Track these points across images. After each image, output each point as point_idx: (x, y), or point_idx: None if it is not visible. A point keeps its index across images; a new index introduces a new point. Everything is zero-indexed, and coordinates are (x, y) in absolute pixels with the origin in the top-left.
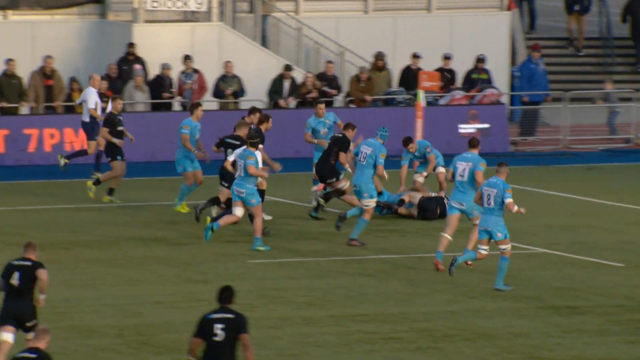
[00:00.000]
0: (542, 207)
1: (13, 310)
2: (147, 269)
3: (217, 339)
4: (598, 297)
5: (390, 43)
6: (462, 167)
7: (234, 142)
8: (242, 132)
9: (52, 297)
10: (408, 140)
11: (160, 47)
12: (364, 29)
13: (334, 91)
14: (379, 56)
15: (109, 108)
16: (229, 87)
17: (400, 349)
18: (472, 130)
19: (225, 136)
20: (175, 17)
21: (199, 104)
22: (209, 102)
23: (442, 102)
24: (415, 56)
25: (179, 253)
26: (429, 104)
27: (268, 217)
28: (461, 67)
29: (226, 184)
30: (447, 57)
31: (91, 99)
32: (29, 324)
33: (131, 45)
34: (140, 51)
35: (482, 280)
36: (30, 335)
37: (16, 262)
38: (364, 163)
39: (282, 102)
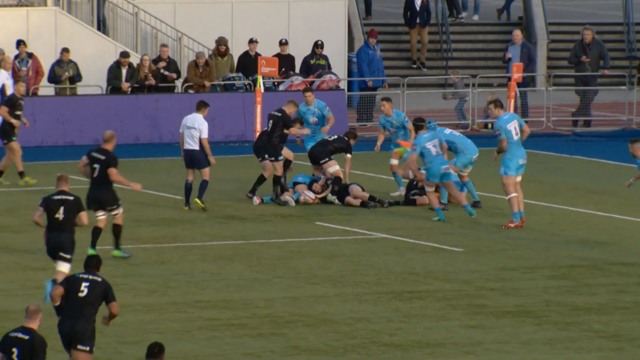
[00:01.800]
0: (385, 192)
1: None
2: None
3: (81, 295)
4: (438, 282)
5: (228, 29)
6: None
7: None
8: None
9: None
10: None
11: None
12: (202, 15)
13: (173, 74)
14: (221, 41)
15: (11, 90)
16: (65, 72)
17: (242, 335)
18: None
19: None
20: (8, 1)
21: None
22: (45, 88)
23: (281, 87)
24: (253, 41)
25: (16, 241)
26: (267, 89)
27: None
28: (299, 52)
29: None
30: (283, 43)
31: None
32: (65, 255)
33: None
34: None
35: (323, 265)
36: (60, 266)
37: (57, 197)
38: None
39: (123, 86)
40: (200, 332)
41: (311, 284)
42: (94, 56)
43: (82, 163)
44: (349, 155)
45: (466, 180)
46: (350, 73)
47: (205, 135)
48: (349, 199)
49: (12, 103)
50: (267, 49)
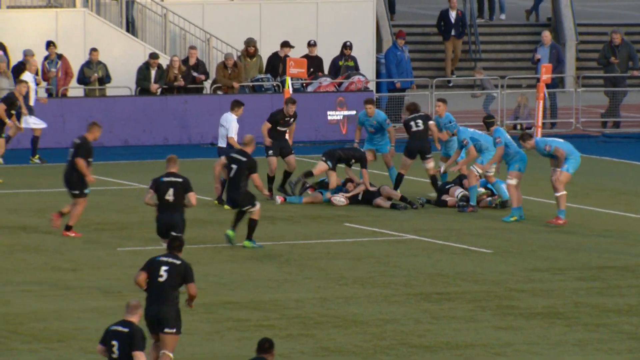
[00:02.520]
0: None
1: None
2: (15, 257)
3: (161, 280)
4: (467, 284)
5: (256, 30)
6: None
7: None
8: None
9: None
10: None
11: (23, 33)
12: (230, 16)
13: (201, 76)
14: (250, 42)
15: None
16: (94, 73)
17: (272, 336)
18: (340, 117)
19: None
20: (38, 2)
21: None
22: (75, 89)
23: (309, 89)
24: (287, 45)
25: (46, 241)
26: (296, 90)
27: None
28: (327, 54)
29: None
30: (311, 44)
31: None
32: (175, 233)
33: None
34: (3, 37)
35: (352, 267)
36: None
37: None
38: None
39: (152, 87)
40: (230, 333)
41: (340, 285)
42: (123, 57)
43: (220, 162)
44: (364, 170)
45: (493, 181)
46: (378, 74)
47: (232, 134)
48: (379, 200)
49: (10, 102)
50: (296, 50)
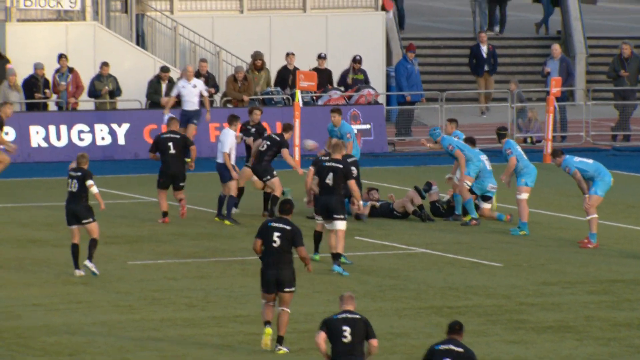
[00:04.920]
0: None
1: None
2: (25, 270)
3: (275, 245)
4: (477, 297)
5: (266, 43)
6: None
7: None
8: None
9: None
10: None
11: (33, 46)
12: (240, 29)
13: (211, 90)
14: (257, 55)
15: None
16: (104, 86)
17: None
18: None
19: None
20: (48, 16)
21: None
22: (85, 102)
23: (319, 102)
24: (290, 55)
25: (56, 254)
26: (306, 103)
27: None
28: (337, 66)
29: None
30: (321, 57)
31: None
32: (337, 216)
33: None
34: (13, 50)
35: (363, 280)
36: (337, 225)
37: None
38: None
39: (163, 101)
40: (241, 347)
41: None
42: (133, 70)
43: (311, 173)
44: (285, 150)
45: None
46: (388, 87)
47: (226, 149)
48: (404, 202)
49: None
50: (305, 63)
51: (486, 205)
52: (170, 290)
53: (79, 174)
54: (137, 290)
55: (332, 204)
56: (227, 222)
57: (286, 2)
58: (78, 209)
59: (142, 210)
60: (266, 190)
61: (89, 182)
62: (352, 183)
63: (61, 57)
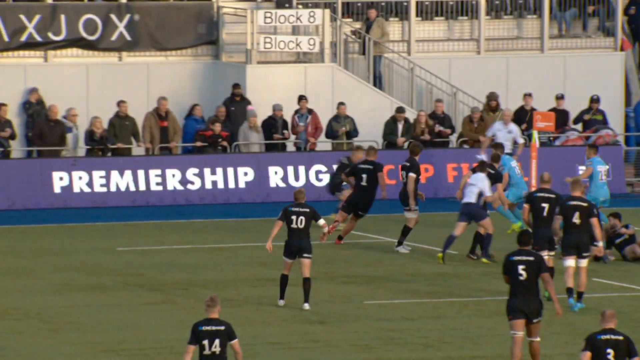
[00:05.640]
0: None
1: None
2: (264, 309)
3: (521, 278)
4: None
5: (502, 83)
6: None
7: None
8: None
9: (169, 337)
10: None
11: (272, 87)
12: (477, 69)
13: (447, 130)
14: (492, 96)
15: None
16: (342, 127)
17: None
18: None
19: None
20: (287, 58)
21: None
22: (323, 143)
23: (557, 142)
24: (527, 95)
25: (294, 293)
26: (543, 144)
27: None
28: (574, 106)
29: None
30: (559, 97)
31: None
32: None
33: (236, 85)
34: (252, 92)
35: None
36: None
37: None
38: None
39: (399, 141)
40: None
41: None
42: (370, 111)
43: (526, 209)
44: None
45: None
46: (627, 128)
47: (487, 193)
48: (634, 247)
49: None
50: (542, 103)
51: None
52: (406, 330)
53: (307, 210)
54: (373, 330)
55: (582, 241)
56: (484, 260)
57: (524, 43)
58: (304, 243)
59: (379, 250)
60: (479, 230)
61: (321, 222)
62: (595, 221)
63: (301, 98)
